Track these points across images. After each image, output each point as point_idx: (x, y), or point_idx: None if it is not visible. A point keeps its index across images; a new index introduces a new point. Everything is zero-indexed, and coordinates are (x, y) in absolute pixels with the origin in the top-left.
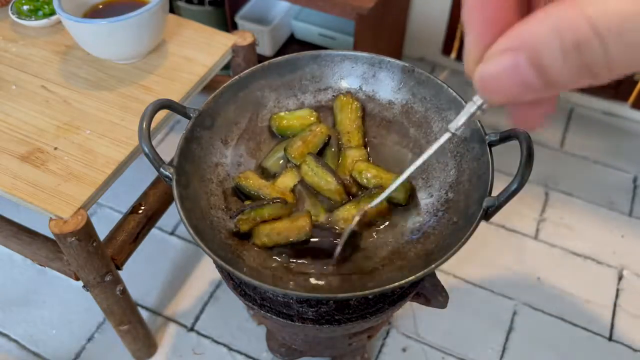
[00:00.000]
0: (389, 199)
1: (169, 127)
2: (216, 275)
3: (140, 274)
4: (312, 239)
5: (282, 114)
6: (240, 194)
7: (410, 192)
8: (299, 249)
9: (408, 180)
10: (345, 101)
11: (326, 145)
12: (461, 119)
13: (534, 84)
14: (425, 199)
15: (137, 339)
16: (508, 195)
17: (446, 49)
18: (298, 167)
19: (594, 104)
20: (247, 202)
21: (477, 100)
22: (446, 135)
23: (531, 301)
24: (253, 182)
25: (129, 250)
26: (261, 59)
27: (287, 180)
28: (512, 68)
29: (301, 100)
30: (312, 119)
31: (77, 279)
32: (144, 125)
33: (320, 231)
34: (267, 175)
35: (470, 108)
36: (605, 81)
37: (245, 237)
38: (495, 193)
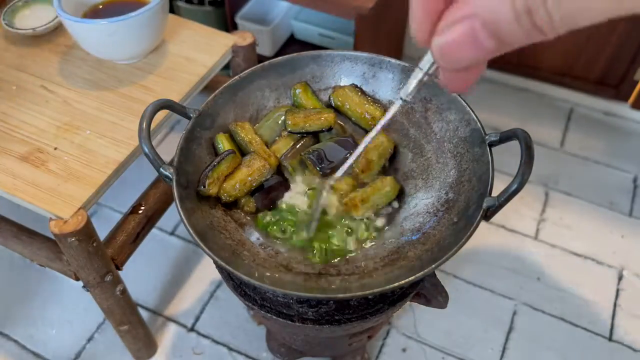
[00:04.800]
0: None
1: (169, 127)
2: (216, 275)
3: (140, 274)
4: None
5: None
6: None
7: (399, 190)
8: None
9: (398, 181)
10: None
11: (324, 131)
12: (410, 85)
13: (490, 47)
14: (425, 199)
15: (137, 339)
16: (508, 195)
17: None
18: (291, 135)
19: (594, 104)
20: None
21: (424, 66)
22: (398, 103)
23: (531, 301)
24: (245, 133)
25: (129, 251)
26: (261, 59)
27: (281, 147)
28: (469, 34)
29: None
30: (326, 113)
31: (77, 279)
32: (144, 126)
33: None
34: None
35: (417, 74)
36: (553, 37)
37: (230, 208)
38: (495, 193)
